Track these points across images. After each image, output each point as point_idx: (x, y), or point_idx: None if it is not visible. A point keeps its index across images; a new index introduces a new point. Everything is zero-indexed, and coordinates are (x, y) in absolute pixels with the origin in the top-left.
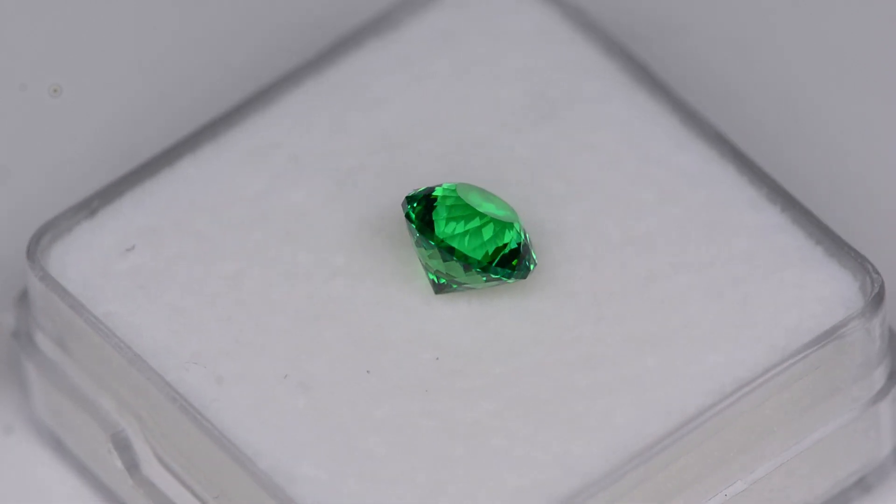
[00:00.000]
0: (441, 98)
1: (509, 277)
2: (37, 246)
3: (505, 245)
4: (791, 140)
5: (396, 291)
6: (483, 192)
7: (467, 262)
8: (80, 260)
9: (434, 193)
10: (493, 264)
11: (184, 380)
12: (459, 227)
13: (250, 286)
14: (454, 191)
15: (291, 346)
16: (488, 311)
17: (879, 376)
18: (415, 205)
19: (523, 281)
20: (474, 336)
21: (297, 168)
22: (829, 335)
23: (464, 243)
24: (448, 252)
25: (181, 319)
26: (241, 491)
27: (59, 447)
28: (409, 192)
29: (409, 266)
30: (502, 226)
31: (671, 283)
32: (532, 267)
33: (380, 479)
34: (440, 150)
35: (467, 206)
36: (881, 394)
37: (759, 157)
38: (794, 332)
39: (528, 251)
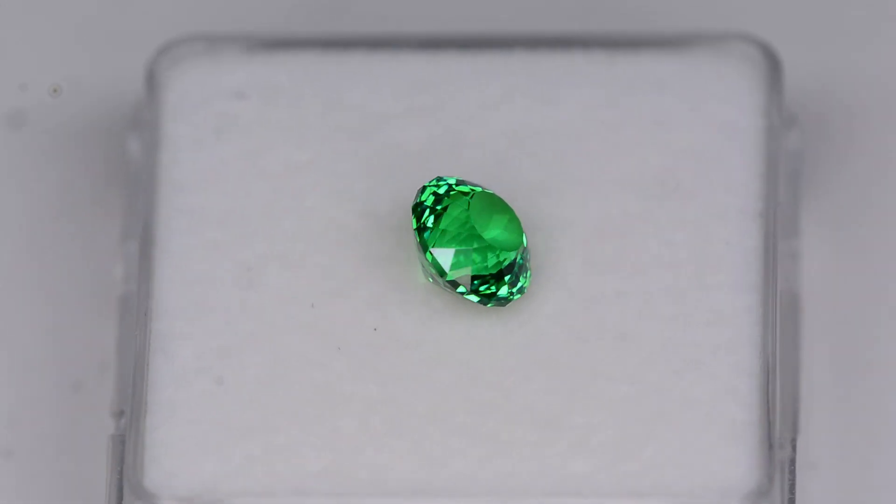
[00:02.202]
0: None
1: (485, 304)
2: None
3: (488, 270)
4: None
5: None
6: (497, 208)
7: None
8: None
9: (444, 204)
10: (472, 288)
11: None
12: (453, 244)
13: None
14: (465, 205)
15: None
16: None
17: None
18: (422, 209)
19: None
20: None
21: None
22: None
23: (450, 262)
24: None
25: None
26: None
27: None
28: (430, 181)
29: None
30: (492, 252)
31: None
32: (512, 296)
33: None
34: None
35: (470, 225)
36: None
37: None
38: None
39: (516, 279)
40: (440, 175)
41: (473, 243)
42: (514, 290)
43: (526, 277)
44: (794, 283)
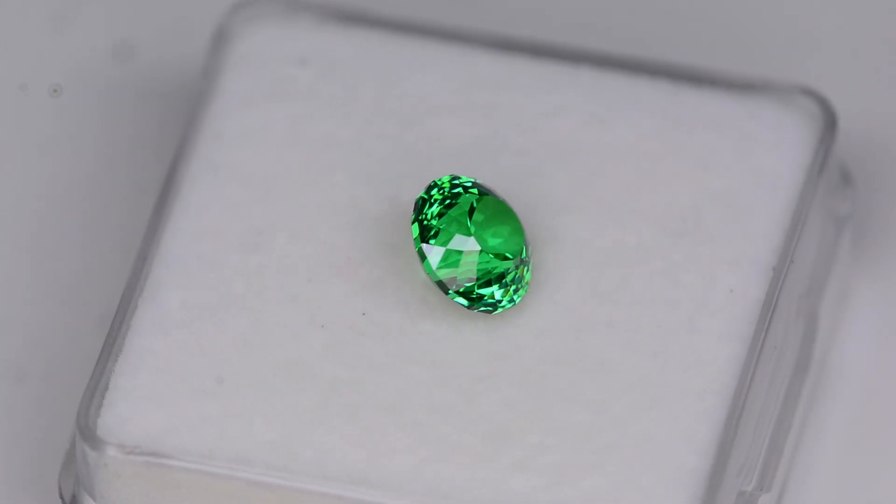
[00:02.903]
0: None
1: (471, 308)
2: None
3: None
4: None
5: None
6: (502, 217)
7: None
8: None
9: (448, 202)
10: (458, 290)
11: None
12: (446, 243)
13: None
14: (467, 207)
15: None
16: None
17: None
18: (423, 202)
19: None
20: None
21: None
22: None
23: (439, 260)
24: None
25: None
26: None
27: None
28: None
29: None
30: (484, 259)
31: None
32: (499, 306)
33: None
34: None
35: (467, 228)
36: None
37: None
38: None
39: (506, 290)
40: (462, 175)
41: (466, 246)
42: (504, 300)
43: (519, 290)
44: (809, 343)
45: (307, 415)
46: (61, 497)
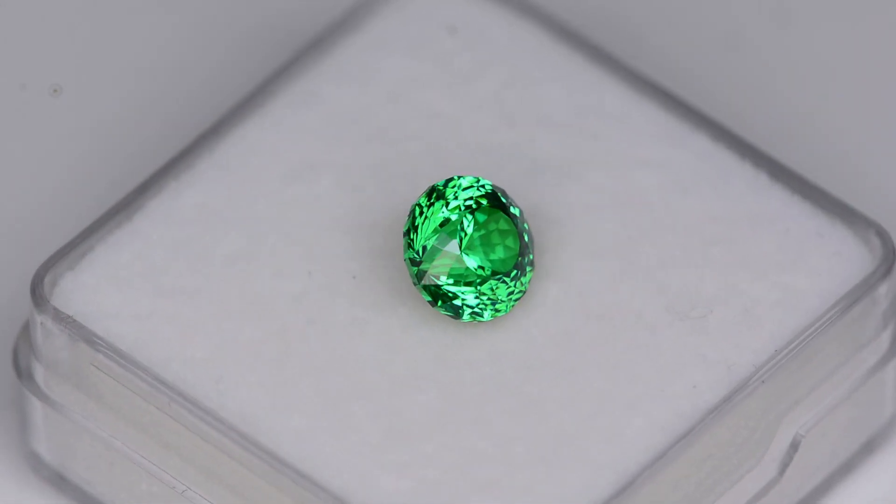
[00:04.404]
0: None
1: (432, 305)
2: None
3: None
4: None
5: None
6: (504, 233)
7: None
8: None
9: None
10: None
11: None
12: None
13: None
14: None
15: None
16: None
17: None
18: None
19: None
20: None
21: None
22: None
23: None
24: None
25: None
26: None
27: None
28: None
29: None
30: (466, 276)
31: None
32: (463, 314)
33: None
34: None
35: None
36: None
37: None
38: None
39: (481, 300)
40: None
41: (448, 247)
42: (475, 308)
43: (498, 309)
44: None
45: (255, 376)
46: (15, 363)
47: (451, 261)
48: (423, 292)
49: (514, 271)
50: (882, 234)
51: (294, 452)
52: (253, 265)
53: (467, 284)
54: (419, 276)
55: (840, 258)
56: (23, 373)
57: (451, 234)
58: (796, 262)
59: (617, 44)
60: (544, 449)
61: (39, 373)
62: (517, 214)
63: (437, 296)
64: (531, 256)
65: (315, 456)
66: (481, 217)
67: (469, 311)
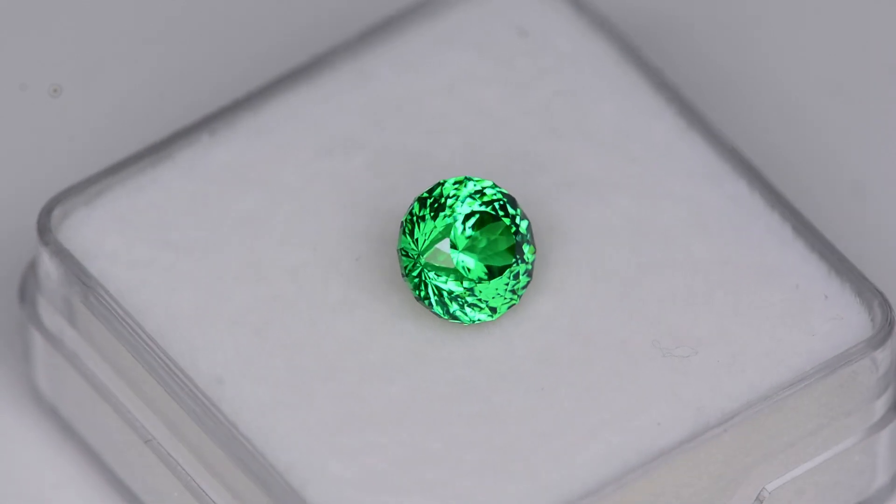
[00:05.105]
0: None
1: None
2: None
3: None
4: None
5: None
6: (498, 240)
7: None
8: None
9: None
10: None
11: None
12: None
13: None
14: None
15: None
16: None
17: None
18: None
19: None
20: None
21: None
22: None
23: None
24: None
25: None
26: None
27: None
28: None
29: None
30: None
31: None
32: (434, 304)
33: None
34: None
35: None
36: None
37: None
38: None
39: (477, 305)
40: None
41: (443, 246)
42: (451, 308)
43: (475, 311)
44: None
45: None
46: (21, 292)
47: (442, 256)
48: (410, 284)
49: (505, 280)
50: (883, 305)
51: (251, 422)
52: (261, 230)
53: (454, 281)
54: (406, 266)
55: (839, 323)
56: (27, 302)
57: (446, 233)
58: (795, 319)
59: (680, 71)
60: (494, 459)
61: (40, 304)
62: (522, 225)
63: (422, 288)
64: (528, 267)
65: (270, 429)
66: (480, 221)
67: (453, 306)
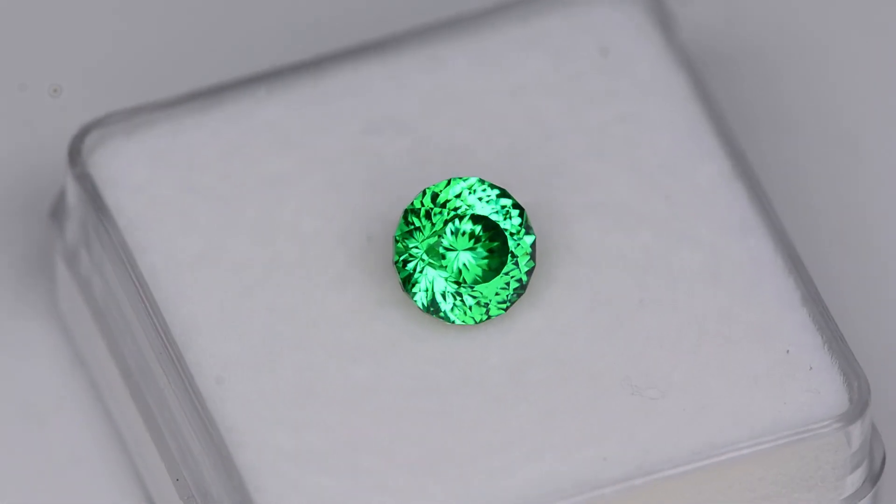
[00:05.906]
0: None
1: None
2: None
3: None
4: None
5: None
6: (494, 250)
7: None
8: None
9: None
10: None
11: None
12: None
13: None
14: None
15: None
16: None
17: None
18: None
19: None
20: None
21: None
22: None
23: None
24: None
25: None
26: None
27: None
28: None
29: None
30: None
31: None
32: (414, 293)
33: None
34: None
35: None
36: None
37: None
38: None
39: (461, 308)
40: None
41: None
42: (451, 309)
43: (469, 310)
44: None
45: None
46: (53, 213)
47: (440, 252)
48: (399, 272)
49: (496, 288)
50: (862, 387)
51: (210, 376)
52: (285, 194)
53: (449, 280)
54: (400, 254)
55: (816, 397)
56: (55, 223)
57: (447, 230)
58: (772, 384)
59: (745, 99)
60: (430, 461)
61: (65, 226)
62: (525, 240)
63: (410, 281)
64: (524, 280)
65: (227, 391)
66: (485, 225)
67: (442, 303)
